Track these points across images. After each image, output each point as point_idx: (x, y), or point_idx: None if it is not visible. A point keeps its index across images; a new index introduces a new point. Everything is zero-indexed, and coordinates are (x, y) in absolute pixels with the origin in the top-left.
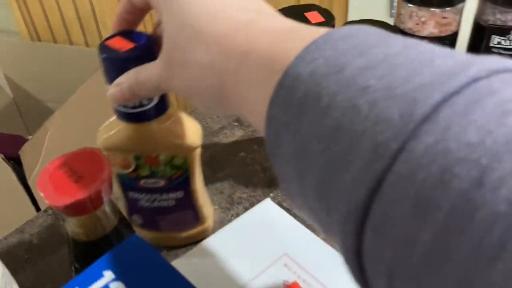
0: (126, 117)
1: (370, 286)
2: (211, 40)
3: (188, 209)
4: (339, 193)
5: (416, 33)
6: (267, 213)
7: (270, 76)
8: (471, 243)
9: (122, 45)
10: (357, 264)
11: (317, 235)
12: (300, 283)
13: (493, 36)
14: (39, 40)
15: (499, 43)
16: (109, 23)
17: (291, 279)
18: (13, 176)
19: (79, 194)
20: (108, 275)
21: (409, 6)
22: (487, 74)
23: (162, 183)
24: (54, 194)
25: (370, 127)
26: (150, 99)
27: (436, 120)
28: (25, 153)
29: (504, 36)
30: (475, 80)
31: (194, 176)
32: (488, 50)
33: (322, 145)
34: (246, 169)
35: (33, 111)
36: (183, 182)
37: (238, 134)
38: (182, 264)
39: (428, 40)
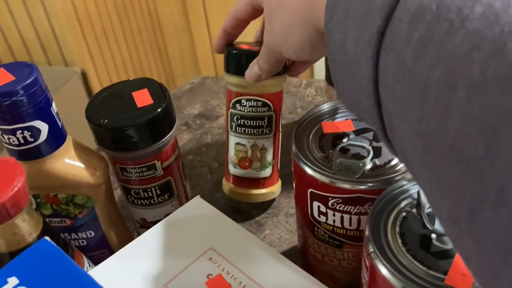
0: (14, 155)
1: (383, 117)
2: None
3: (103, 248)
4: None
5: None
6: (196, 210)
7: None
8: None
9: (2, 78)
10: (374, 94)
11: (243, 227)
12: (224, 276)
13: None
14: (0, 61)
15: None
16: (70, 41)
17: (215, 272)
18: None
19: None
20: (12, 281)
21: None
22: None
23: (68, 222)
24: None
25: None
26: (36, 137)
27: None
28: None
29: None
30: None
31: (105, 214)
32: None
33: None
34: (194, 171)
35: None
36: (91, 221)
37: (186, 137)
38: (102, 269)
39: None
